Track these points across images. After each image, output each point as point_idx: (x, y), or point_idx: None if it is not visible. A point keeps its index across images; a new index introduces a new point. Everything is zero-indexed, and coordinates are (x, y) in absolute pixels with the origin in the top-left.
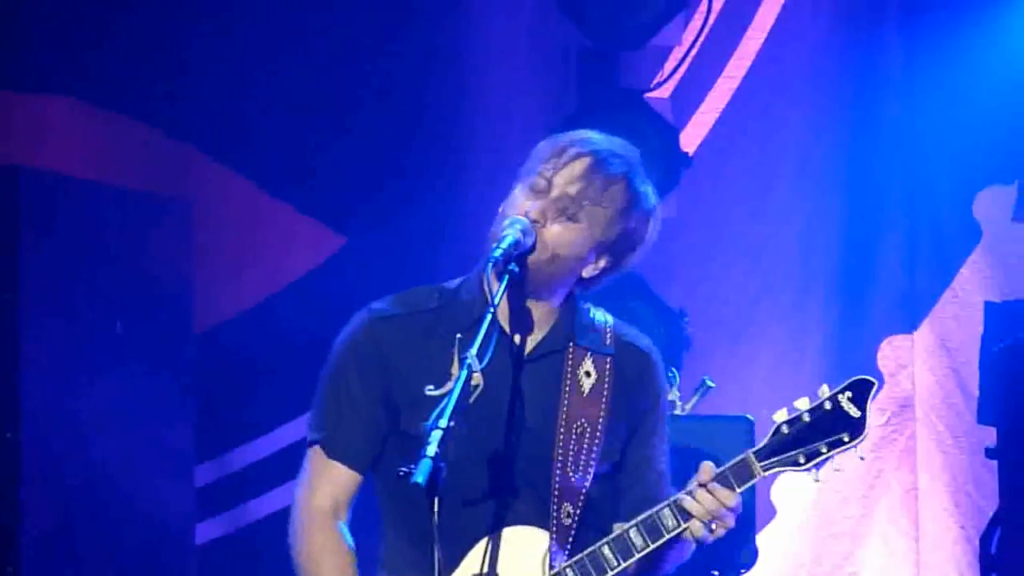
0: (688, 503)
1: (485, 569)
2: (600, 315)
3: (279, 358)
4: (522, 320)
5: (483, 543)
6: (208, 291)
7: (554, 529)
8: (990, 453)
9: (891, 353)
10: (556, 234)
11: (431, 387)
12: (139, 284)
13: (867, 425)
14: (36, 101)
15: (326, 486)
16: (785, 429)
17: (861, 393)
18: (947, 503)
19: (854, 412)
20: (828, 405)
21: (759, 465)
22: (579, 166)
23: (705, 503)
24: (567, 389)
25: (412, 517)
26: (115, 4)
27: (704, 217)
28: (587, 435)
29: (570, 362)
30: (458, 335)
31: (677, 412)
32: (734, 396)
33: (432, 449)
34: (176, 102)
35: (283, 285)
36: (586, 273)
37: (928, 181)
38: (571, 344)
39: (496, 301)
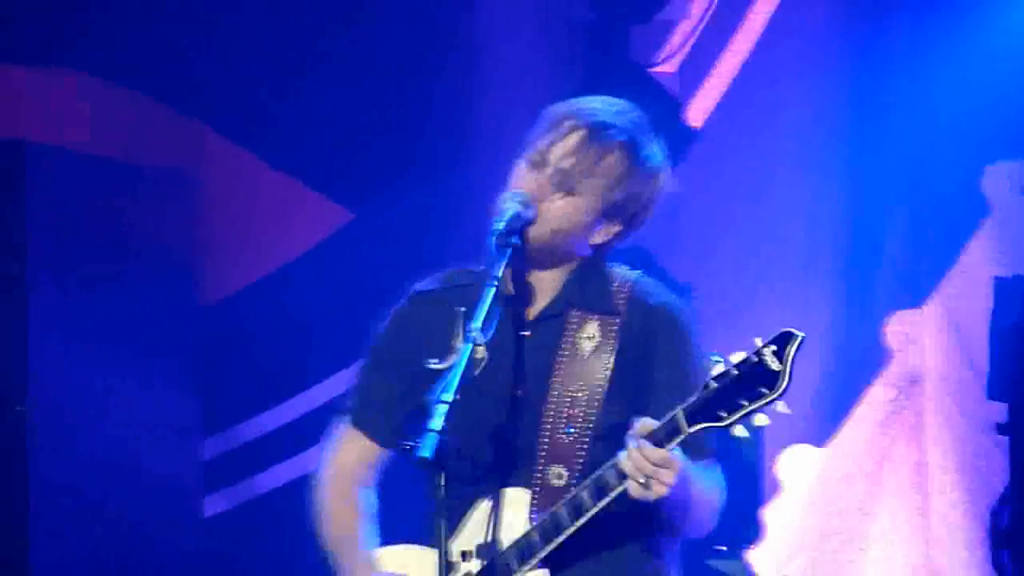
0: (622, 461)
1: (479, 534)
2: (623, 274)
3: (285, 332)
4: (527, 290)
5: (480, 508)
6: (215, 265)
7: (537, 489)
8: (1001, 429)
9: (899, 328)
10: (555, 208)
11: (434, 360)
12: (147, 258)
13: (785, 378)
14: (44, 75)
15: (349, 452)
16: (712, 384)
17: (783, 346)
18: (956, 479)
19: (775, 365)
20: (754, 359)
21: (686, 422)
22: (574, 139)
23: (635, 460)
24: (564, 353)
25: (434, 497)
26: None
27: (710, 191)
28: (583, 399)
29: (571, 326)
30: (462, 308)
31: None
32: None
33: (437, 423)
34: (185, 78)
35: (290, 259)
36: (597, 240)
37: (935, 156)
38: (572, 309)
39: (498, 273)
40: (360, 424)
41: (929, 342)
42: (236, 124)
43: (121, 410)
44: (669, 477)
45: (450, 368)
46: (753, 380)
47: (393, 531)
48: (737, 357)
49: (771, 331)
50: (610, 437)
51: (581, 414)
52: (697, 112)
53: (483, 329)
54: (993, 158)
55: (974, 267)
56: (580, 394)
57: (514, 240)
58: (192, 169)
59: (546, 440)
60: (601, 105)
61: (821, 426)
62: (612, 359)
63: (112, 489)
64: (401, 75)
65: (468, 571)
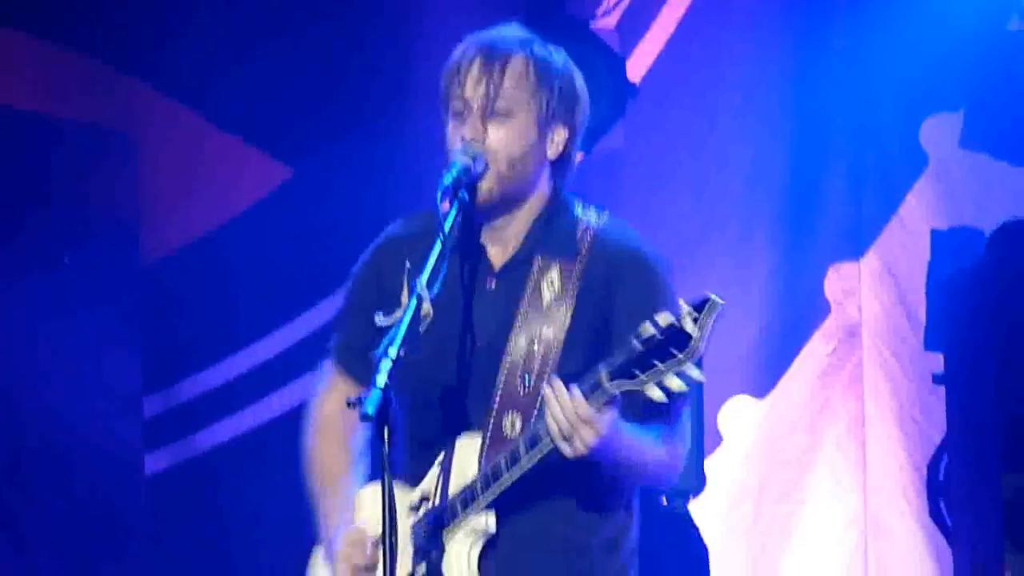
0: (546, 413)
1: (439, 481)
2: (589, 216)
3: (225, 290)
4: (499, 237)
5: (440, 456)
6: (154, 224)
7: (489, 436)
8: (937, 379)
9: (838, 281)
10: (498, 138)
11: (380, 316)
12: (85, 217)
13: (699, 343)
14: None
15: (334, 393)
16: (635, 343)
17: (700, 309)
18: (894, 430)
19: (691, 328)
20: (675, 323)
21: (606, 377)
22: (475, 68)
23: (555, 414)
24: (525, 302)
25: (380, 453)
26: None
27: (650, 147)
28: (542, 347)
29: (535, 274)
30: (407, 264)
31: None
32: None
33: (382, 379)
34: (121, 35)
35: (230, 217)
36: (552, 153)
37: (874, 109)
38: (538, 255)
39: (446, 228)
40: (345, 366)
41: (867, 294)
42: (175, 82)
43: (61, 369)
44: (589, 435)
45: (396, 323)
46: (670, 342)
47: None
48: (664, 319)
49: (714, 287)
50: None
51: (539, 363)
52: (637, 67)
53: (429, 285)
54: (932, 111)
55: (912, 219)
56: (538, 343)
57: (462, 194)
58: (130, 127)
59: (501, 387)
60: (486, 32)
61: (762, 378)
62: (572, 306)
63: (54, 448)
64: (339, 29)
65: (423, 512)
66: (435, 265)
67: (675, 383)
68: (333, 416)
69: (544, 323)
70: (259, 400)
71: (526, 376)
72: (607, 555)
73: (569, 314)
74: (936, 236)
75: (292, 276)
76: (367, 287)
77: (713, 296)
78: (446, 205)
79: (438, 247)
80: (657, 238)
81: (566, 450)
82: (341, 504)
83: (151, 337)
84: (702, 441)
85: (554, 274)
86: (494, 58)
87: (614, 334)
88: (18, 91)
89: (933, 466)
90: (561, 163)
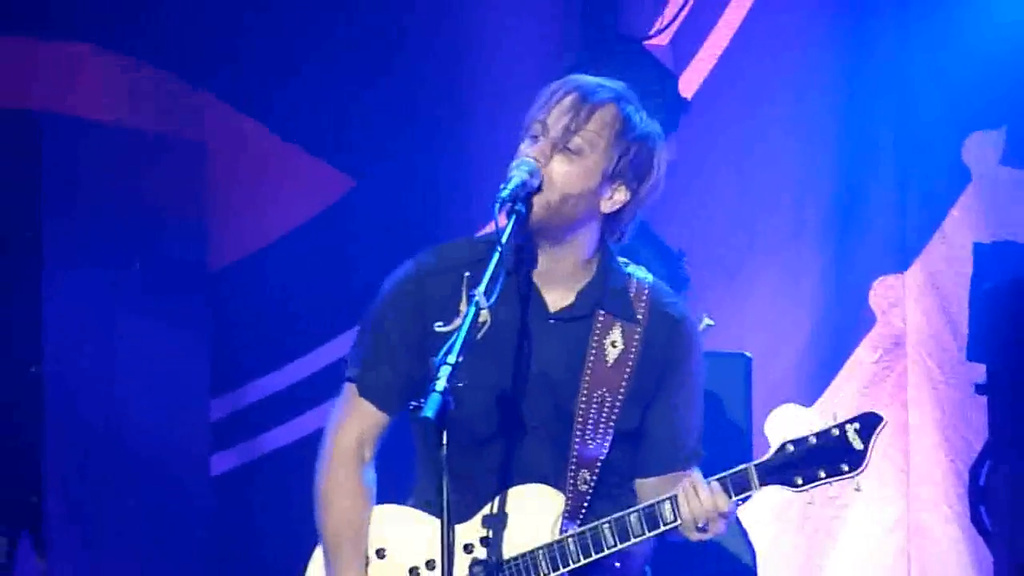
0: (683, 502)
1: (500, 521)
2: (638, 274)
3: (290, 296)
4: (550, 279)
5: (506, 500)
6: (223, 231)
7: (570, 495)
8: (979, 389)
9: (883, 292)
10: (560, 171)
11: (440, 323)
12: (156, 224)
13: (867, 459)
14: (57, 48)
15: (355, 422)
16: (790, 448)
17: (868, 427)
18: (936, 438)
19: (858, 445)
20: (835, 432)
21: (757, 479)
22: (567, 101)
23: (702, 505)
24: (592, 357)
25: (437, 457)
26: None
27: (702, 160)
28: (607, 405)
29: (598, 329)
30: (466, 273)
31: None
32: (732, 333)
33: (441, 384)
34: (192, 48)
35: (294, 226)
36: (605, 207)
37: (918, 125)
38: (600, 311)
39: (503, 239)
40: (366, 393)
41: (912, 306)
42: (243, 93)
43: (132, 371)
44: (723, 525)
45: (455, 331)
46: (833, 453)
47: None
48: (815, 425)
49: (762, 297)
50: (622, 443)
51: (604, 420)
52: (689, 83)
53: (487, 294)
54: (974, 127)
55: (955, 233)
56: (604, 401)
57: (519, 207)
58: (200, 137)
59: (577, 443)
60: (591, 77)
61: (809, 386)
62: (633, 367)
63: (123, 448)
64: (402, 44)
65: (484, 558)
66: (492, 274)
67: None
68: (351, 449)
69: (608, 381)
70: (321, 404)
71: (596, 430)
72: None
73: (629, 373)
74: (978, 249)
75: (354, 284)
76: (393, 319)
77: (881, 414)
78: (503, 218)
79: (496, 257)
80: (709, 248)
81: (696, 538)
82: (357, 554)
83: (218, 342)
84: (751, 447)
85: (616, 334)
86: (587, 99)
87: (664, 400)
88: (93, 102)
89: (974, 472)
90: (613, 221)
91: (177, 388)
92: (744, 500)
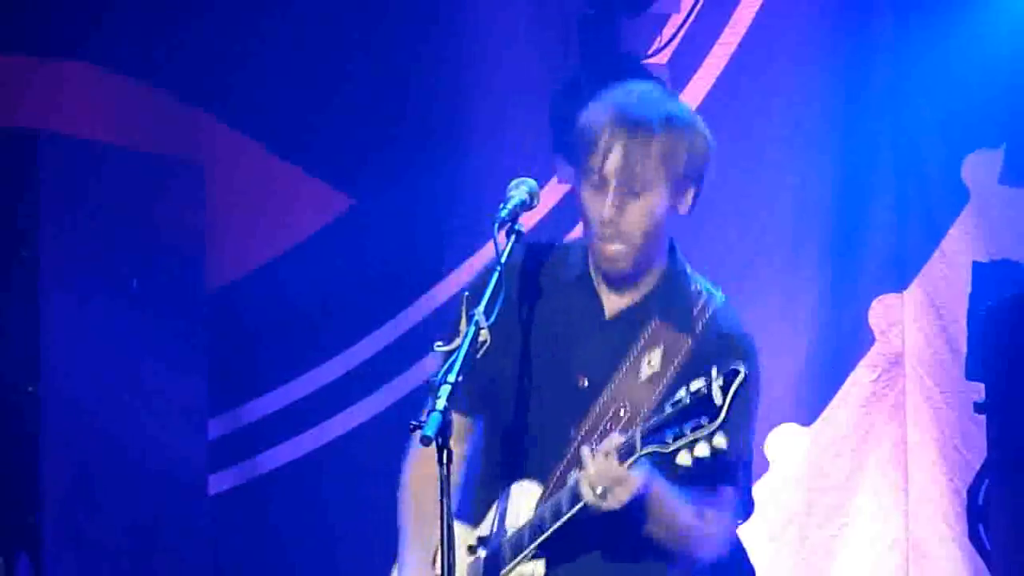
0: (581, 477)
1: (496, 520)
2: (704, 286)
3: (289, 315)
4: (618, 287)
5: (504, 494)
6: (220, 251)
7: (550, 488)
8: (978, 408)
9: (882, 311)
10: (635, 216)
11: (439, 343)
12: (153, 243)
13: (723, 411)
14: (56, 67)
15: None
16: (668, 409)
17: (729, 380)
18: (935, 456)
19: (718, 399)
20: (703, 390)
21: (640, 442)
22: (618, 149)
23: (590, 471)
24: (629, 363)
25: (440, 475)
26: None
27: None
28: (625, 415)
29: (646, 338)
30: (465, 293)
31: None
32: None
33: (441, 403)
34: (189, 68)
35: (292, 246)
36: (683, 211)
37: (917, 145)
38: (654, 319)
39: (502, 259)
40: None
41: (911, 325)
42: (239, 113)
43: (129, 391)
44: (622, 494)
45: (456, 349)
46: (700, 410)
47: None
48: (695, 384)
49: (761, 316)
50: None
51: (620, 428)
52: (688, 102)
53: (487, 313)
54: (973, 147)
55: (954, 253)
56: (623, 411)
57: (518, 227)
58: (197, 157)
59: (575, 445)
60: (627, 96)
61: (808, 406)
62: (669, 382)
63: (120, 468)
64: (400, 63)
65: (481, 556)
66: (492, 294)
67: (702, 449)
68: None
69: (637, 390)
70: (319, 424)
71: (603, 438)
72: None
73: (663, 391)
74: (977, 268)
75: (352, 303)
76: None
77: (740, 368)
78: (502, 236)
79: (495, 277)
80: (707, 267)
81: (601, 505)
82: (425, 544)
83: (216, 361)
84: (750, 467)
85: (656, 355)
86: (636, 139)
87: None
88: (89, 122)
89: (973, 492)
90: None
91: (174, 407)
92: (636, 463)
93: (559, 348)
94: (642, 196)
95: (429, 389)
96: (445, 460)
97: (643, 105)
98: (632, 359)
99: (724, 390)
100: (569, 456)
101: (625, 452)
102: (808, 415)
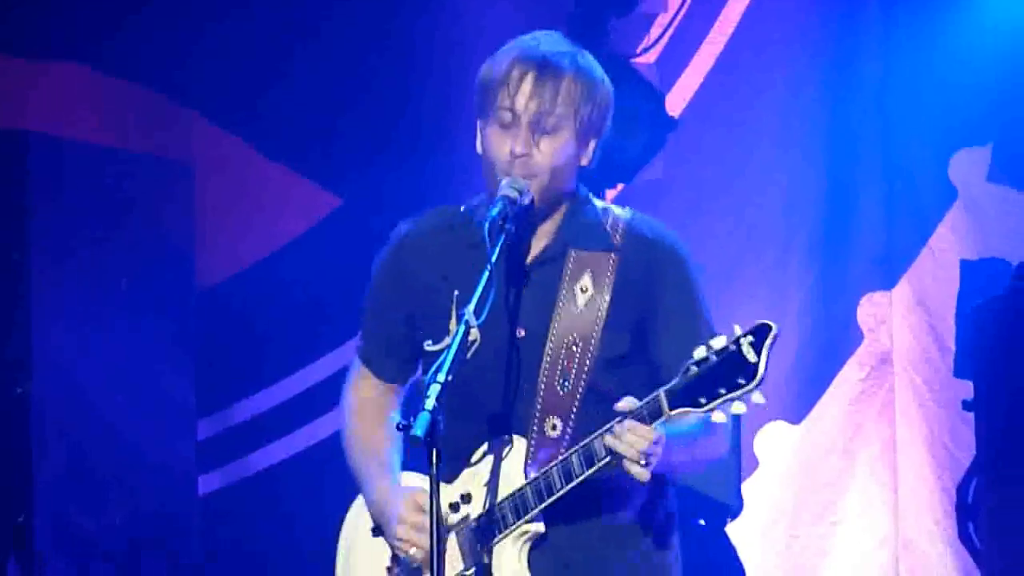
0: (610, 440)
1: (478, 477)
2: (618, 211)
3: (278, 314)
4: (529, 231)
5: (480, 451)
6: (210, 251)
7: (533, 440)
8: (967, 406)
9: (870, 309)
10: (546, 152)
11: (429, 342)
12: (143, 243)
13: (761, 370)
14: (44, 68)
15: (365, 383)
16: (694, 370)
17: (760, 338)
18: (924, 454)
19: (752, 357)
20: (732, 347)
21: (667, 404)
22: (528, 83)
23: (625, 439)
24: (561, 301)
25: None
26: None
27: (689, 178)
28: (578, 348)
29: (569, 270)
30: (455, 292)
31: None
32: None
33: (431, 403)
34: (179, 69)
35: (281, 244)
36: (585, 162)
37: (905, 142)
38: (570, 249)
39: (493, 260)
40: (368, 363)
41: (899, 323)
42: (228, 113)
43: (119, 391)
44: (658, 455)
45: (445, 349)
46: (732, 369)
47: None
48: (718, 343)
49: (750, 313)
50: (614, 370)
51: (575, 366)
52: (676, 101)
53: (477, 313)
54: (961, 145)
55: (942, 250)
56: (575, 346)
57: (508, 226)
58: (186, 157)
59: (542, 391)
60: (533, 40)
61: (797, 404)
62: (608, 300)
63: (112, 467)
64: (388, 64)
65: (467, 513)
66: (482, 293)
67: (739, 408)
68: (368, 400)
69: (579, 326)
70: (308, 423)
71: (566, 377)
72: (654, 550)
73: (606, 309)
74: (965, 267)
75: (342, 302)
76: (386, 287)
77: (769, 323)
78: (491, 238)
79: (485, 276)
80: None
81: (641, 474)
82: (387, 468)
83: (205, 361)
84: (739, 465)
85: (587, 279)
86: (546, 76)
87: (656, 330)
88: (80, 123)
89: (962, 489)
90: (587, 167)
91: (164, 407)
92: (663, 424)
93: (496, 302)
94: (552, 134)
95: (418, 388)
96: (435, 460)
97: (552, 47)
98: (564, 293)
99: (756, 347)
100: (540, 405)
101: (652, 415)
102: (797, 413)
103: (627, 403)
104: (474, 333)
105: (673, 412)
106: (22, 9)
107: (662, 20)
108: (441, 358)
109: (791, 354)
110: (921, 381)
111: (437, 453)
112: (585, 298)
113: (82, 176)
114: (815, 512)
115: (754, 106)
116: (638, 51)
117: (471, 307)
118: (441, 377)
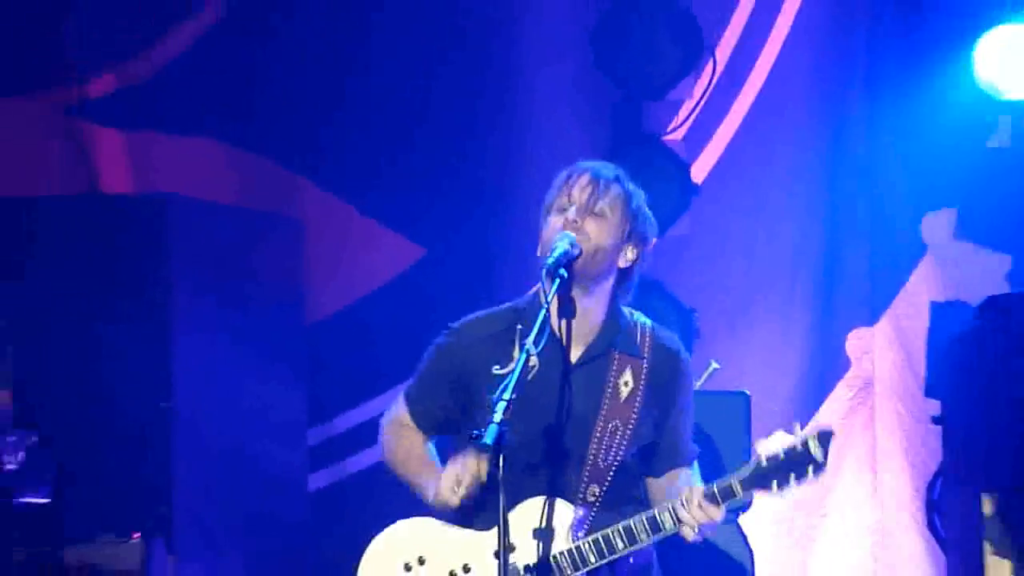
0: (682, 512)
1: (522, 530)
2: (638, 318)
3: (370, 345)
4: (573, 327)
5: (523, 508)
6: (317, 292)
7: (580, 505)
8: (935, 420)
9: (856, 342)
10: (592, 229)
11: (497, 367)
12: (263, 286)
13: (827, 466)
14: (179, 141)
15: (404, 423)
16: (764, 463)
17: (825, 440)
18: (900, 460)
19: (819, 455)
20: (800, 448)
21: (741, 489)
22: (583, 180)
23: (696, 515)
24: (608, 394)
25: (495, 476)
26: (243, 62)
27: (710, 232)
28: (619, 432)
29: (613, 369)
30: (519, 326)
31: None
32: (733, 375)
33: (498, 416)
34: (293, 142)
35: (373, 288)
36: (621, 263)
37: (885, 204)
38: (613, 351)
39: (549, 299)
40: (412, 415)
41: (880, 353)
42: (332, 178)
43: (244, 406)
44: (714, 527)
45: (509, 373)
46: (800, 463)
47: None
48: (784, 442)
49: (760, 344)
50: (632, 460)
51: (616, 445)
52: (699, 171)
53: (535, 342)
54: (931, 208)
55: (916, 294)
56: (616, 429)
57: (562, 272)
58: (298, 215)
59: (590, 465)
60: (586, 161)
61: (796, 418)
62: (642, 400)
63: (236, 469)
64: (464, 140)
65: (514, 562)
66: (540, 326)
67: (796, 487)
68: (406, 428)
69: (621, 413)
70: None
71: (607, 453)
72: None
73: (638, 406)
74: (935, 307)
75: (423, 336)
76: (447, 363)
77: (832, 429)
78: (548, 282)
79: (543, 313)
80: (716, 305)
81: (692, 537)
82: (428, 463)
83: (314, 381)
84: None
85: (628, 375)
86: (597, 177)
87: (666, 423)
88: (210, 187)
89: (930, 488)
90: (624, 276)
91: (280, 420)
92: (730, 507)
93: (547, 391)
94: (599, 217)
95: (487, 405)
96: (500, 463)
97: (607, 166)
98: (611, 384)
99: (822, 447)
100: (587, 474)
101: (724, 495)
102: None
103: (695, 489)
104: (533, 360)
105: (744, 493)
106: (165, 93)
107: (688, 105)
108: (506, 380)
109: (793, 378)
110: (898, 400)
111: (504, 459)
112: (627, 391)
113: (211, 230)
114: (809, 508)
115: (764, 176)
116: (668, 130)
117: (531, 338)
118: (506, 395)
